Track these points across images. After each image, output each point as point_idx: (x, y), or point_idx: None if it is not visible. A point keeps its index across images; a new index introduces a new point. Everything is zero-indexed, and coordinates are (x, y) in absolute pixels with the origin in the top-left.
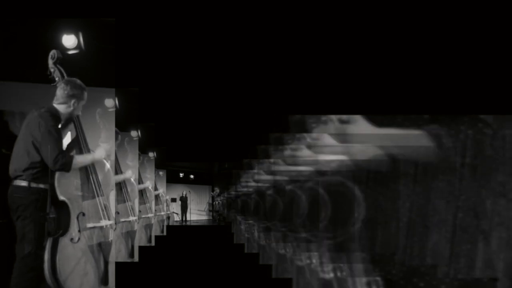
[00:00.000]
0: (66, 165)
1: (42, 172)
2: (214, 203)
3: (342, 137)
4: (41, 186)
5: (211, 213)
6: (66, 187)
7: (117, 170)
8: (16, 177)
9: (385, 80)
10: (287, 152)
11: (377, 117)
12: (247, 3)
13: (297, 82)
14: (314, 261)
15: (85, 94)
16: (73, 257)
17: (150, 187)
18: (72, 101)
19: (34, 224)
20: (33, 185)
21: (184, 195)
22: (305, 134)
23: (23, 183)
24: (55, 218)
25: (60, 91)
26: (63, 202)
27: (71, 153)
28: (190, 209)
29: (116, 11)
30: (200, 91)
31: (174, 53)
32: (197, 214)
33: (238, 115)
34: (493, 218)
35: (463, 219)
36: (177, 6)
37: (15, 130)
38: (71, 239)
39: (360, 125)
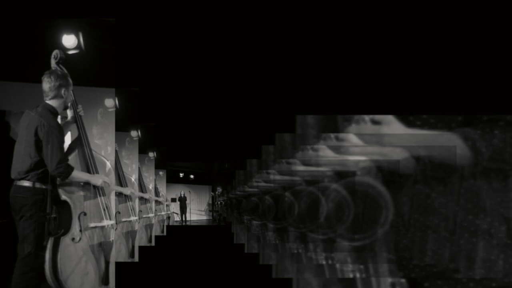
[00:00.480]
0: (64, 174)
1: (46, 172)
2: (216, 203)
3: (373, 138)
4: (45, 186)
5: (211, 213)
6: (68, 187)
7: (122, 182)
8: (19, 178)
9: (411, 80)
10: (307, 152)
11: (409, 118)
12: (248, 2)
13: (297, 82)
14: (334, 260)
15: (70, 80)
16: (74, 256)
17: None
18: (62, 91)
19: (36, 225)
20: (37, 185)
21: (182, 195)
22: (331, 134)
23: (27, 183)
24: (56, 218)
25: (47, 85)
26: (65, 202)
27: (73, 153)
28: (190, 209)
29: (116, 11)
30: (200, 91)
31: (174, 53)
32: (197, 214)
33: (240, 114)
34: None
35: (490, 223)
36: (177, 6)
37: (15, 130)
38: (73, 239)
39: (393, 126)
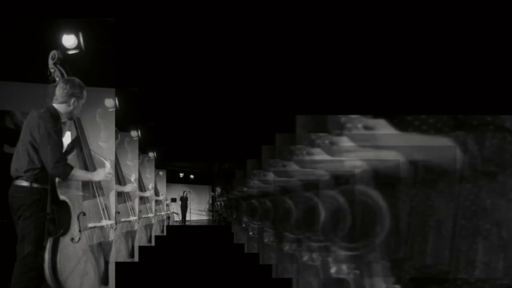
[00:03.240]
0: (64, 174)
1: (43, 172)
2: (216, 203)
3: (366, 143)
4: (42, 186)
5: (211, 213)
6: (67, 187)
7: (121, 183)
8: (17, 177)
9: (399, 80)
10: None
11: (401, 123)
12: (248, 2)
13: (297, 82)
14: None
15: (85, 93)
16: (74, 257)
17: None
18: (72, 100)
19: (35, 224)
20: (35, 185)
21: (184, 195)
22: (323, 135)
23: (25, 183)
24: (55, 218)
25: (60, 91)
26: (64, 202)
27: (71, 154)
28: (190, 209)
29: (116, 11)
30: (200, 91)
31: (174, 53)
32: (197, 214)
33: (239, 114)
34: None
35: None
36: (177, 6)
37: (15, 130)
38: (72, 239)
39: (385, 131)
